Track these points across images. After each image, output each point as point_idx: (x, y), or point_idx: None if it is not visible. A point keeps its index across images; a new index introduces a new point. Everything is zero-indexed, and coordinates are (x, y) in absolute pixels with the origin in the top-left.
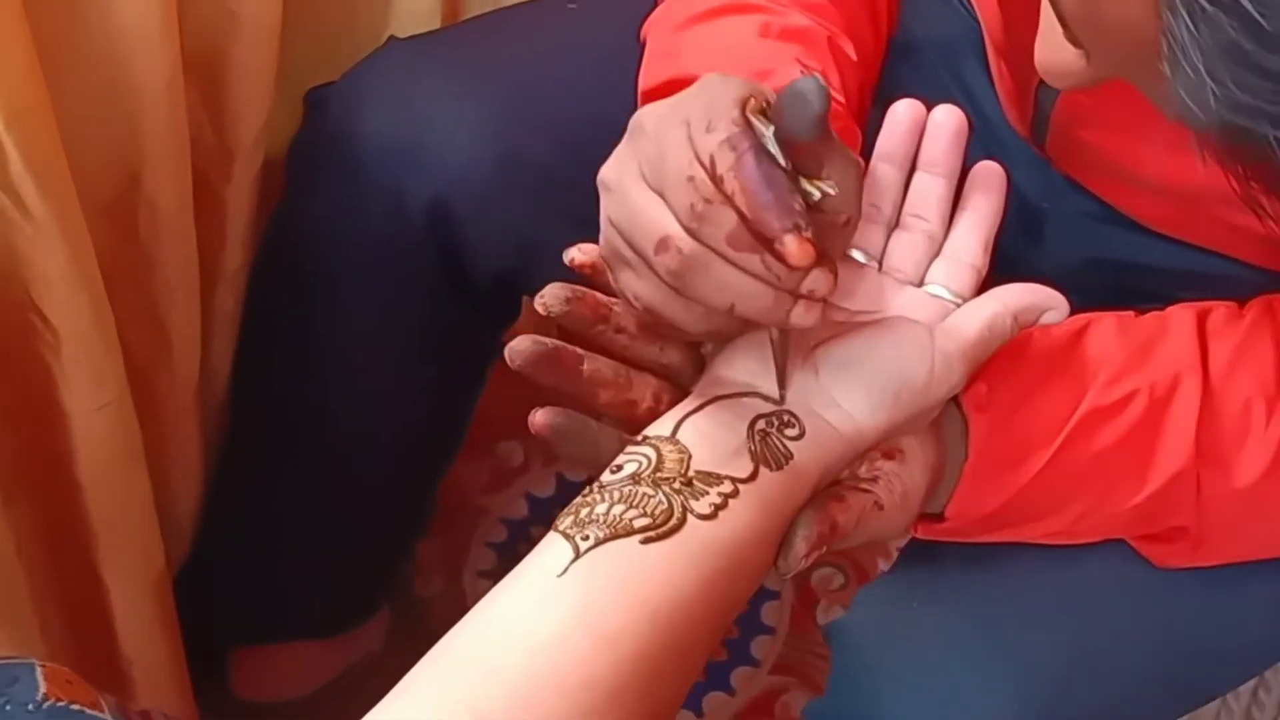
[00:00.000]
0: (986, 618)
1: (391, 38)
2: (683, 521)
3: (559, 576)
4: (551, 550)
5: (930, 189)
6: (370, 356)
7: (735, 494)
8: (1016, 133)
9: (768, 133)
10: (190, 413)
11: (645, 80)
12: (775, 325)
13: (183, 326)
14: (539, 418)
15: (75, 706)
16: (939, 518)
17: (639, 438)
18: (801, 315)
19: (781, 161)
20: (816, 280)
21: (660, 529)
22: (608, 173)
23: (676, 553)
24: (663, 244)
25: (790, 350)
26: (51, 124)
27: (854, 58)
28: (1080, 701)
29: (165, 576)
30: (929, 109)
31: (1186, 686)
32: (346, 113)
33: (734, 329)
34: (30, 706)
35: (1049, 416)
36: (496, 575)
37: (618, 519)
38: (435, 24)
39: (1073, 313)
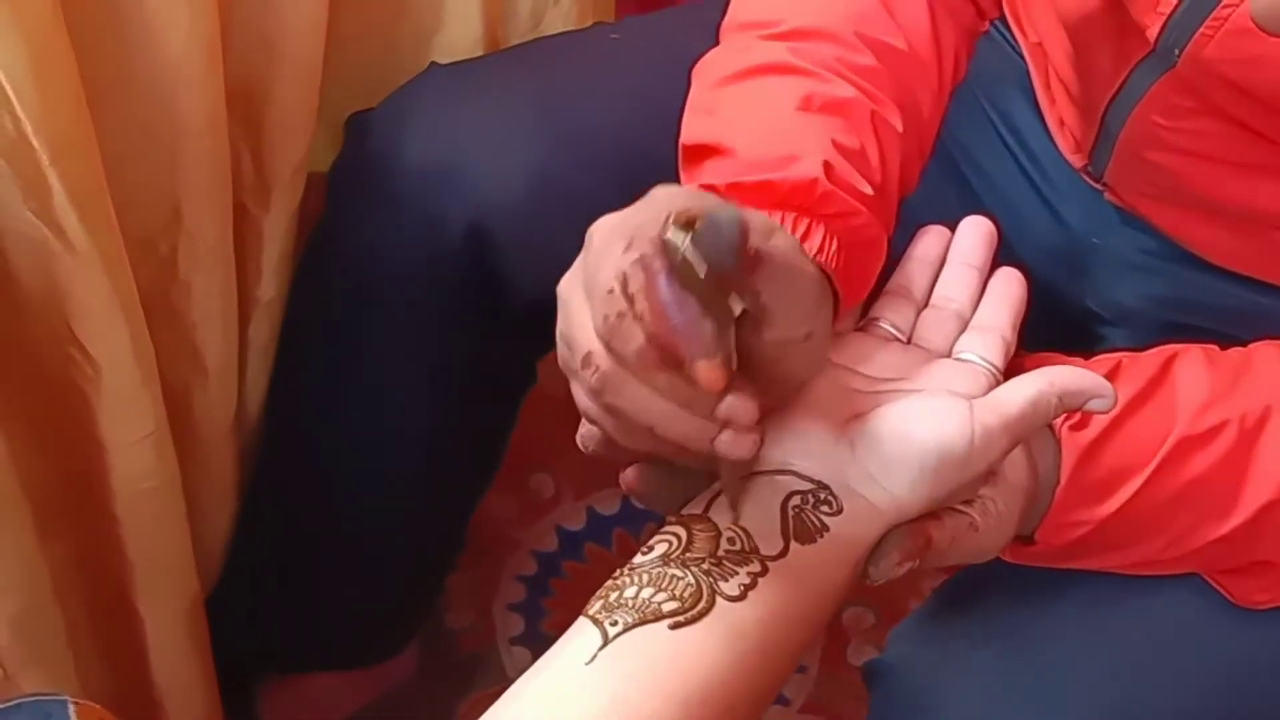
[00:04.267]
0: (1032, 661)
1: (433, 63)
2: (711, 604)
3: (587, 664)
4: (580, 637)
5: (960, 276)
6: (405, 384)
7: (764, 572)
8: (1067, 166)
9: (682, 242)
10: (226, 442)
11: (685, 134)
12: (702, 452)
13: (220, 357)
14: (630, 477)
15: None
16: (1029, 541)
17: (673, 516)
18: (728, 443)
19: (700, 271)
20: (732, 407)
21: (689, 612)
22: (561, 286)
23: (706, 636)
24: (586, 359)
25: (736, 476)
26: (96, 158)
27: (899, 128)
28: None
29: (199, 606)
30: (971, 145)
31: None
32: (386, 138)
33: (672, 452)
34: None
35: (1141, 443)
36: (526, 609)
37: (646, 603)
38: (478, 53)
39: (1120, 349)
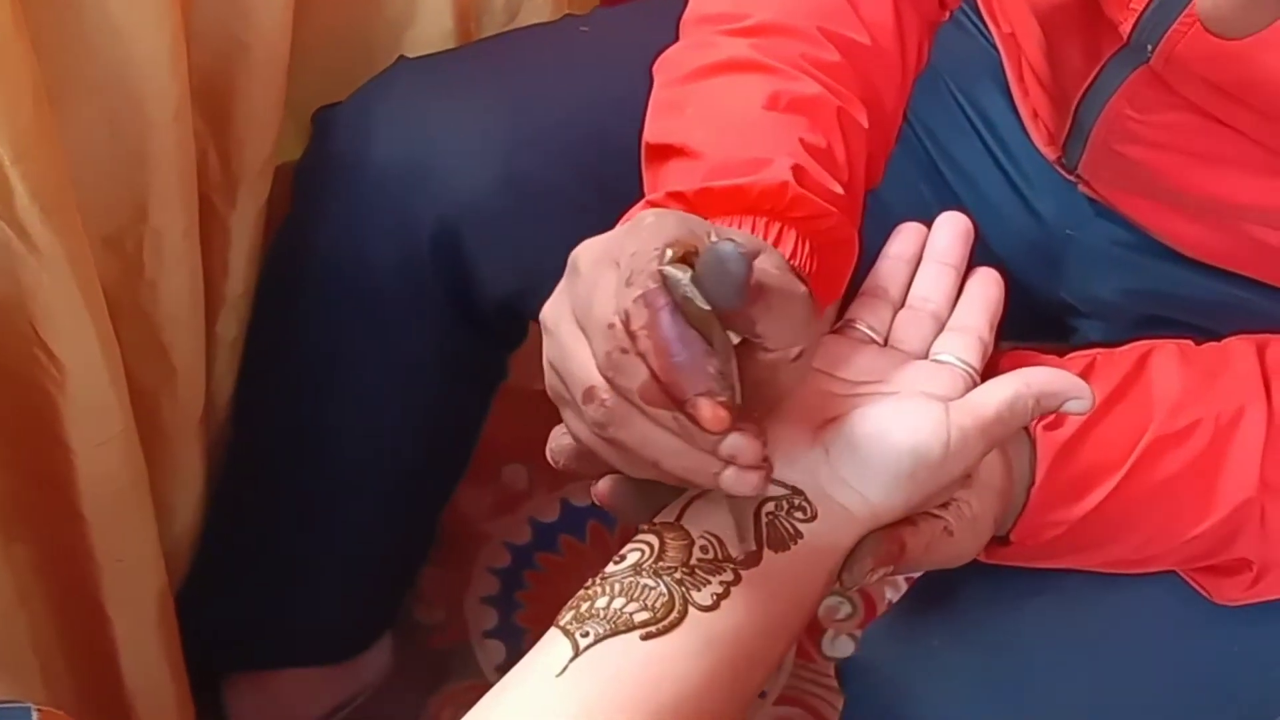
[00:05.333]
0: (1008, 659)
1: (401, 57)
2: (684, 614)
3: (558, 676)
4: (552, 648)
5: (937, 275)
6: (374, 381)
7: (737, 581)
8: (1040, 158)
9: (684, 278)
10: (194, 440)
11: (649, 132)
12: (705, 486)
13: (187, 354)
14: (602, 489)
15: None
16: (1004, 541)
17: (645, 525)
18: (733, 481)
19: (704, 306)
20: (736, 445)
21: (661, 623)
22: (547, 312)
23: (678, 647)
24: (589, 394)
25: (746, 507)
26: (59, 157)
27: (865, 125)
28: None
29: (168, 605)
30: (945, 137)
31: None
32: (353, 134)
33: (677, 483)
34: None
35: (1115, 442)
36: (499, 602)
37: (618, 614)
38: (450, 47)
39: (1096, 343)
